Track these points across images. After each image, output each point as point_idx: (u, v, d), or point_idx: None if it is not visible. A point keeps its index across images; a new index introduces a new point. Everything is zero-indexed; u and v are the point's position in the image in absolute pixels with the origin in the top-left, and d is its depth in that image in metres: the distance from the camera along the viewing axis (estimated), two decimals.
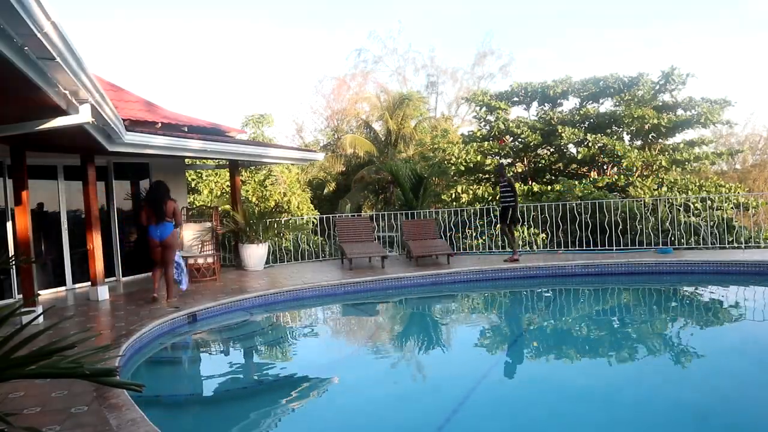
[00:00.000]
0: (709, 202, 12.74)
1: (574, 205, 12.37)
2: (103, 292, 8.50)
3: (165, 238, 7.79)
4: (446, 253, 10.70)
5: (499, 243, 12.65)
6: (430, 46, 53.31)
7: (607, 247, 11.57)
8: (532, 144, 15.87)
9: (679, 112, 15.33)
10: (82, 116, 5.43)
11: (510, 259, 10.43)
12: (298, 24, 46.71)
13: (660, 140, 15.88)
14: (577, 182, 14.16)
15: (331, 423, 4.28)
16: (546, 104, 16.79)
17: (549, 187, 14.50)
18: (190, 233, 10.88)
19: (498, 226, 12.83)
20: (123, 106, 10.73)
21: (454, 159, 16.47)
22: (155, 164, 11.40)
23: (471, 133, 17.82)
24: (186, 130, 11.23)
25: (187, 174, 14.50)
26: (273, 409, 4.64)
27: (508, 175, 11.06)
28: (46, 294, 9.29)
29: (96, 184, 8.81)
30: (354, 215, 15.42)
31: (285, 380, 5.38)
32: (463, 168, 16.33)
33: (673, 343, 6.39)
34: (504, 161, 16.85)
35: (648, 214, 12.09)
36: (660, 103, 15.34)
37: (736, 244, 11.31)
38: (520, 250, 12.07)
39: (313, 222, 14.87)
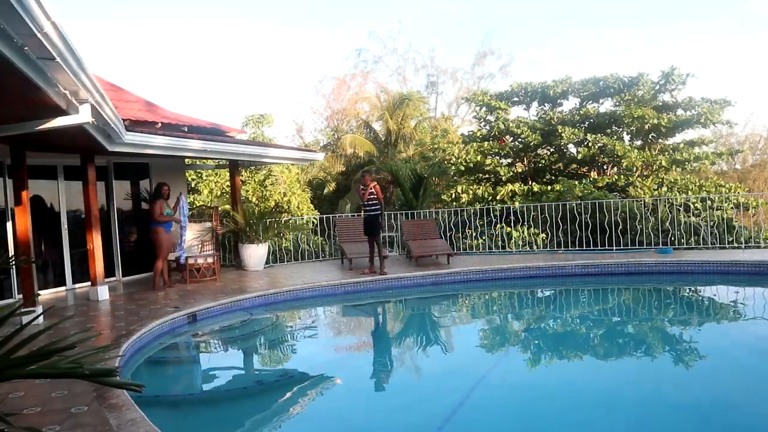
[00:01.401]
0: (709, 202, 12.74)
1: (574, 205, 12.37)
2: (103, 292, 8.50)
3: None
4: (446, 253, 10.71)
5: (500, 243, 12.66)
6: (430, 46, 53.26)
7: (607, 247, 11.57)
8: (532, 144, 15.87)
9: (679, 112, 15.32)
10: (82, 116, 5.43)
11: (370, 270, 9.69)
12: (298, 24, 46.72)
13: (660, 140, 15.87)
14: (577, 182, 14.15)
15: (331, 423, 4.28)
16: (546, 104, 16.78)
17: (549, 187, 14.49)
18: (190, 233, 10.89)
19: (497, 226, 12.83)
20: (123, 106, 10.72)
21: (454, 159, 16.47)
22: (155, 164, 11.40)
23: (471, 133, 17.80)
24: (186, 130, 11.23)
25: (187, 174, 14.50)
26: (273, 409, 4.64)
27: (374, 182, 9.79)
28: (46, 294, 9.29)
29: (96, 184, 8.82)
30: (354, 215, 15.43)
31: (285, 380, 5.38)
32: (463, 168, 16.32)
33: (673, 343, 6.39)
34: (503, 161, 16.86)
35: (648, 214, 12.09)
36: (660, 103, 15.33)
37: (736, 244, 11.31)
38: (521, 250, 12.08)
39: (313, 222, 14.86)
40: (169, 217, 9.33)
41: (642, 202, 12.29)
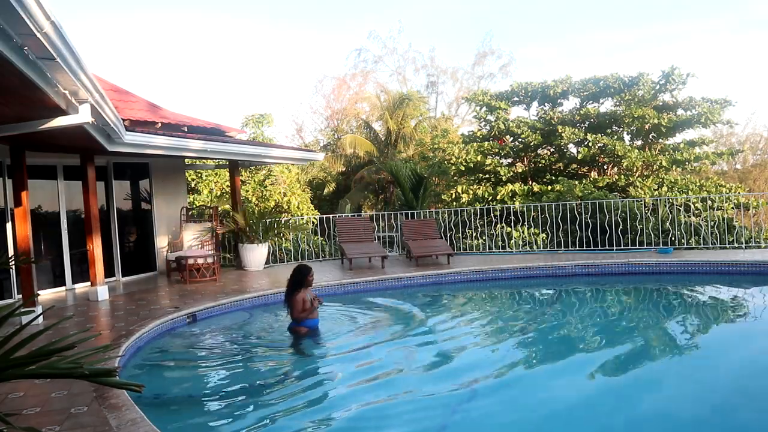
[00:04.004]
0: (709, 202, 12.74)
1: (574, 205, 12.36)
2: (103, 293, 8.50)
3: None
4: (446, 253, 10.70)
5: (500, 243, 12.66)
6: (430, 46, 53.22)
7: (607, 247, 11.57)
8: (532, 144, 15.86)
9: (680, 111, 15.31)
10: (82, 116, 5.44)
11: None
12: (298, 24, 46.73)
13: (660, 140, 15.87)
14: (577, 182, 14.15)
15: (331, 423, 4.28)
16: (546, 104, 16.77)
17: (549, 187, 14.49)
18: (190, 233, 10.89)
19: (497, 226, 12.83)
20: (125, 107, 10.73)
21: (454, 159, 16.47)
22: (155, 164, 11.40)
23: (471, 133, 17.80)
24: (186, 130, 11.23)
25: (187, 174, 14.50)
26: (273, 410, 4.63)
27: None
28: (45, 294, 9.29)
29: (96, 184, 8.81)
30: (354, 215, 15.43)
31: (284, 380, 5.37)
32: (463, 168, 16.32)
33: (673, 344, 6.38)
34: (503, 161, 16.86)
35: (648, 214, 12.10)
36: (660, 103, 15.32)
37: (736, 244, 11.31)
38: (521, 250, 12.07)
39: (313, 222, 14.86)
40: (312, 309, 6.67)
41: (642, 202, 12.29)
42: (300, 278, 6.66)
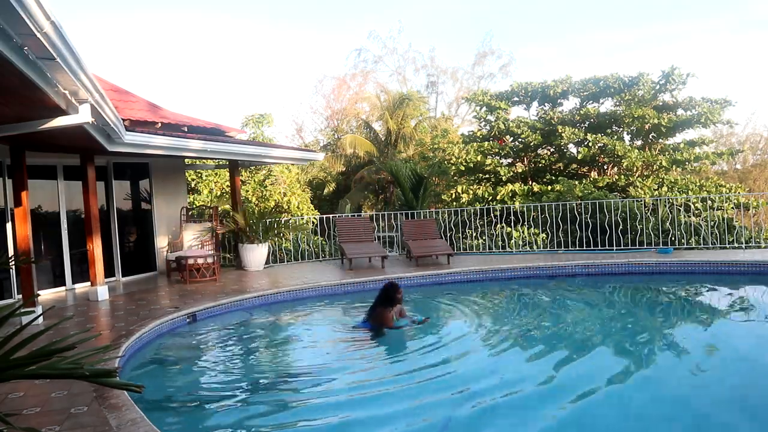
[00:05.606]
0: (709, 202, 12.74)
1: (574, 205, 12.36)
2: (103, 293, 8.50)
3: None
4: (446, 253, 10.70)
5: (500, 243, 12.66)
6: (430, 46, 53.19)
7: (607, 247, 11.57)
8: (532, 144, 15.86)
9: (680, 111, 15.30)
10: (82, 116, 5.44)
11: None
12: (298, 24, 46.71)
13: (660, 140, 15.87)
14: (577, 182, 14.15)
15: (331, 423, 4.27)
16: (546, 104, 16.77)
17: (549, 187, 14.49)
18: (190, 233, 10.89)
19: (497, 226, 12.83)
20: (125, 107, 10.73)
21: (454, 159, 16.47)
22: (155, 164, 11.40)
23: (471, 133, 17.80)
24: (186, 130, 11.23)
25: (187, 174, 14.51)
26: (272, 410, 4.63)
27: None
28: (45, 294, 9.29)
29: (96, 184, 8.81)
30: (354, 215, 15.43)
31: (284, 381, 5.37)
32: (463, 168, 16.32)
33: (673, 344, 6.38)
34: (503, 161, 16.86)
35: (648, 214, 12.10)
36: (660, 103, 15.32)
37: (736, 244, 11.31)
38: (521, 250, 12.08)
39: (313, 222, 14.86)
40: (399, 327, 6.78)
41: (642, 202, 12.29)
42: (390, 296, 6.73)
